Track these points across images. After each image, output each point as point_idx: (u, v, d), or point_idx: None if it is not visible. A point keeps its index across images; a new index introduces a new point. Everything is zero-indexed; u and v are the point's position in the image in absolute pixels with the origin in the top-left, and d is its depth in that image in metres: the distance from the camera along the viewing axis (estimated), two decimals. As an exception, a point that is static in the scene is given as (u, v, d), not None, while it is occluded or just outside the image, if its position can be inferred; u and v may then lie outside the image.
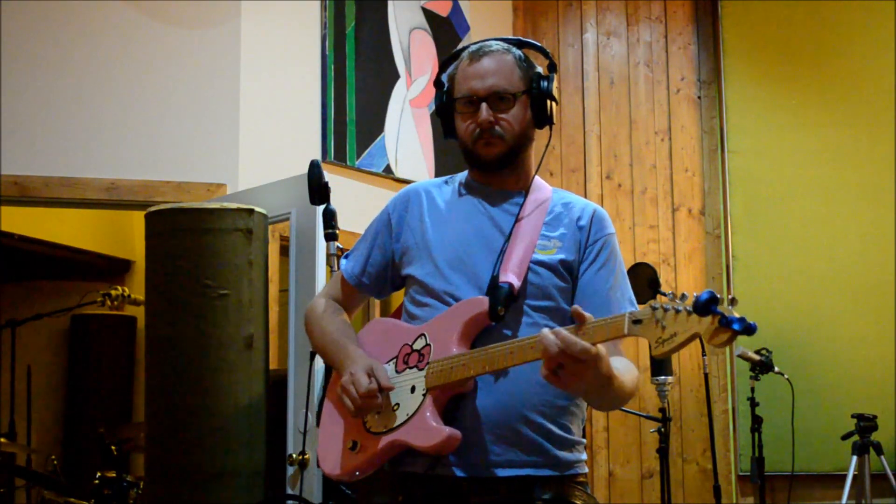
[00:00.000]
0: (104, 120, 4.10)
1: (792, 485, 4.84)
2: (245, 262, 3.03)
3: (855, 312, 5.11)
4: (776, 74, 5.38)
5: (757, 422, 4.52)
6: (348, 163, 4.56)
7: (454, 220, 2.00)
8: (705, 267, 5.31)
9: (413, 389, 1.86)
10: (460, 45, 2.08)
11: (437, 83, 2.05)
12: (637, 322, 1.60)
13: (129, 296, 4.91)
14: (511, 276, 1.88)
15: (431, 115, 5.00)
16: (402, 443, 1.84)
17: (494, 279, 1.88)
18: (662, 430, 4.14)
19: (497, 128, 1.93)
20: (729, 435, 5.16)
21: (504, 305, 1.84)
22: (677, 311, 1.55)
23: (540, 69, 2.01)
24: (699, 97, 5.46)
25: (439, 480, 1.85)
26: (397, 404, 1.87)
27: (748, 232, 5.27)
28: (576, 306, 1.68)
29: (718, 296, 1.50)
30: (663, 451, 4.15)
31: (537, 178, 2.04)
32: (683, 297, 1.55)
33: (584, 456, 1.95)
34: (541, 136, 2.05)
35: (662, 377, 4.18)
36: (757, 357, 4.57)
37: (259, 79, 4.27)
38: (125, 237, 6.21)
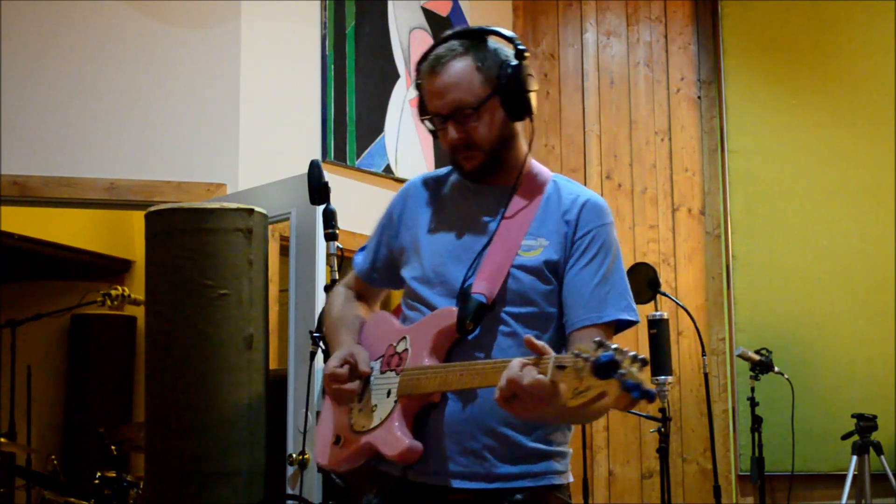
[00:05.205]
0: (104, 120, 4.10)
1: (792, 485, 4.84)
2: (245, 261, 3.03)
3: (855, 312, 5.10)
4: (776, 74, 5.38)
5: (757, 422, 4.52)
6: (348, 163, 4.56)
7: (444, 222, 1.95)
8: (705, 267, 5.31)
9: (389, 394, 1.84)
10: (430, 46, 1.95)
11: (417, 86, 1.96)
12: (561, 367, 1.50)
13: (129, 296, 4.90)
14: (485, 286, 1.81)
15: (431, 115, 4.99)
16: (373, 446, 1.84)
17: (467, 290, 1.82)
18: (662, 429, 4.13)
19: (470, 142, 1.85)
20: (729, 435, 5.16)
21: (474, 319, 1.78)
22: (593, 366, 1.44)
23: (507, 57, 1.87)
24: (699, 97, 5.46)
25: (412, 484, 1.84)
26: (376, 405, 1.86)
27: (748, 232, 5.27)
28: (528, 336, 1.58)
29: (619, 358, 1.39)
30: (663, 451, 4.15)
31: (534, 166, 1.96)
32: (605, 347, 1.42)
33: (561, 466, 1.87)
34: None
35: (662, 377, 4.17)
36: (757, 357, 4.57)
37: (259, 79, 4.27)
38: (125, 237, 6.21)
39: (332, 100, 4.52)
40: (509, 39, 1.90)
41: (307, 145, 4.41)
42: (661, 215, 5.37)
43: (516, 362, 1.57)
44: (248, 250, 3.04)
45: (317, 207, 2.87)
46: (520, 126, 1.92)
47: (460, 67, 1.85)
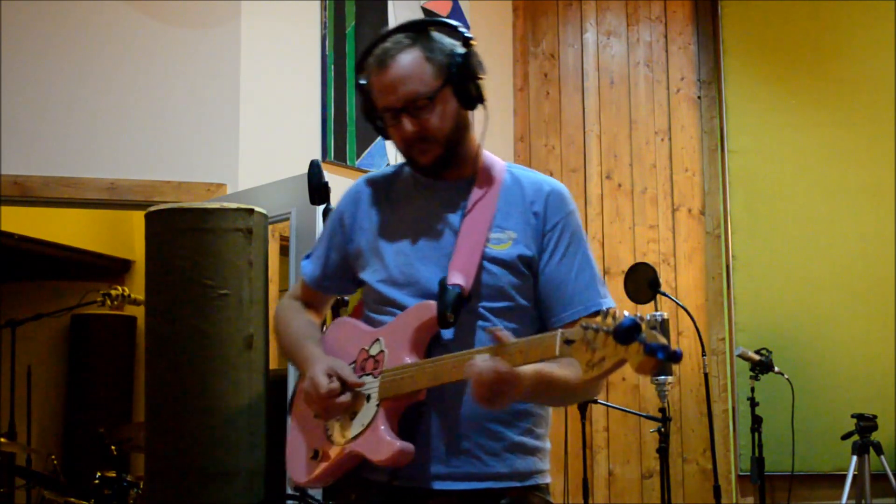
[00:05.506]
0: (104, 120, 4.10)
1: (792, 485, 4.84)
2: (245, 262, 3.03)
3: (855, 312, 5.10)
4: (776, 74, 5.38)
5: (757, 422, 4.51)
6: (348, 163, 4.56)
7: (403, 221, 1.91)
8: (705, 267, 5.31)
9: (369, 398, 1.81)
10: (371, 41, 1.89)
11: (359, 87, 1.92)
12: (569, 342, 1.52)
13: (129, 296, 4.90)
14: (460, 278, 1.78)
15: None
16: (358, 454, 1.80)
17: (443, 283, 1.79)
18: (662, 430, 4.14)
19: (426, 134, 1.83)
20: (729, 435, 5.16)
21: (453, 311, 1.76)
22: (607, 334, 1.46)
23: (454, 48, 1.85)
24: (699, 97, 5.46)
25: (398, 489, 1.80)
26: (354, 413, 1.82)
27: (748, 232, 5.27)
28: (494, 327, 1.62)
29: (640, 322, 1.40)
30: (663, 451, 4.15)
31: (486, 156, 1.93)
32: (615, 317, 1.45)
33: (545, 466, 1.88)
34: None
35: (662, 377, 4.18)
36: (757, 357, 4.57)
37: (259, 79, 4.27)
38: (125, 237, 6.21)
39: (332, 100, 4.52)
40: (454, 28, 1.89)
41: (307, 145, 4.41)
42: (661, 215, 5.37)
43: (481, 362, 1.60)
44: (248, 250, 3.04)
45: (317, 207, 2.87)
46: (470, 117, 1.90)
47: (410, 59, 1.82)
